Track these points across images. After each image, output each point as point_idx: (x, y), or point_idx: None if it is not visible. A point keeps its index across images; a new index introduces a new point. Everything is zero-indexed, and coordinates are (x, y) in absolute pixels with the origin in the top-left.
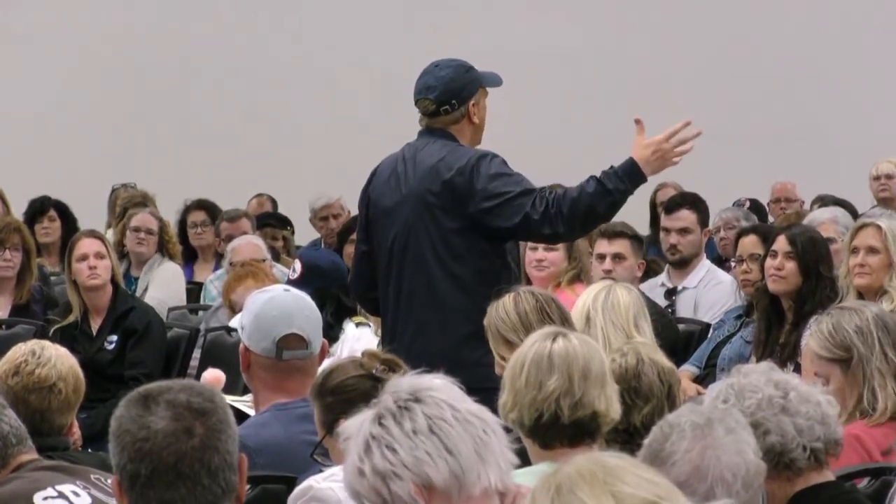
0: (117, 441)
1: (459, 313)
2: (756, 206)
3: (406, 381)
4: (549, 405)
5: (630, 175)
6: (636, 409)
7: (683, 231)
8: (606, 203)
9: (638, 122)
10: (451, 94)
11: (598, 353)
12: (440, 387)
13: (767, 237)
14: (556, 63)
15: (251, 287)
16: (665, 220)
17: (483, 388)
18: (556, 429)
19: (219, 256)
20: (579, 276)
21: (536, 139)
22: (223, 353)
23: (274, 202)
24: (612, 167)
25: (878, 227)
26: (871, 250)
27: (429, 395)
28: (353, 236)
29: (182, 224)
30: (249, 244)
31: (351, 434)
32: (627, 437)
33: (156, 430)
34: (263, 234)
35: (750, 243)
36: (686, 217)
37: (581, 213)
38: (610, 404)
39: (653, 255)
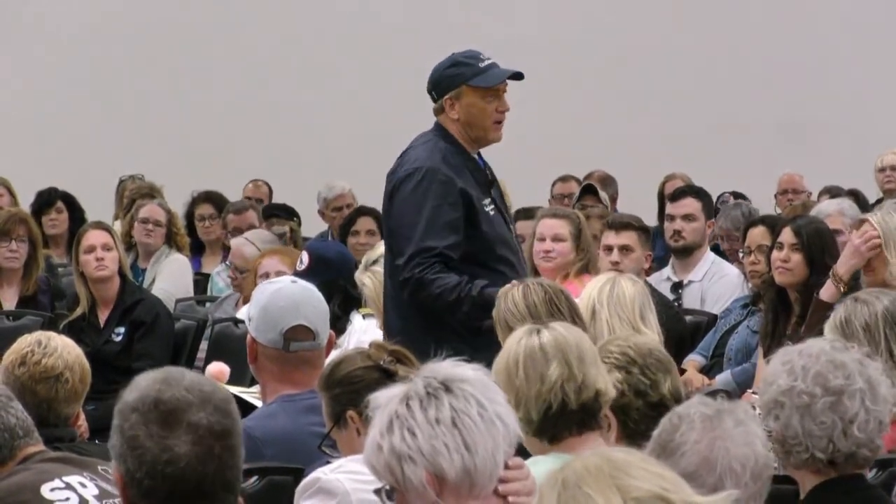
0: (132, 451)
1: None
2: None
3: (443, 368)
4: (555, 394)
5: (487, 308)
6: (660, 383)
7: (688, 217)
8: (454, 318)
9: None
10: (431, 84)
11: (583, 334)
12: (474, 380)
13: (775, 228)
14: (556, 52)
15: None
16: (670, 208)
17: None
18: (565, 416)
19: (226, 249)
20: (587, 268)
21: (536, 129)
22: (230, 344)
23: (269, 187)
24: (481, 291)
25: (871, 224)
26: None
27: (459, 388)
28: (356, 228)
29: (189, 216)
30: (241, 252)
31: (380, 405)
32: (663, 409)
33: (179, 454)
34: (269, 225)
35: (758, 234)
36: (691, 204)
37: (427, 305)
38: (606, 382)
39: (660, 247)
